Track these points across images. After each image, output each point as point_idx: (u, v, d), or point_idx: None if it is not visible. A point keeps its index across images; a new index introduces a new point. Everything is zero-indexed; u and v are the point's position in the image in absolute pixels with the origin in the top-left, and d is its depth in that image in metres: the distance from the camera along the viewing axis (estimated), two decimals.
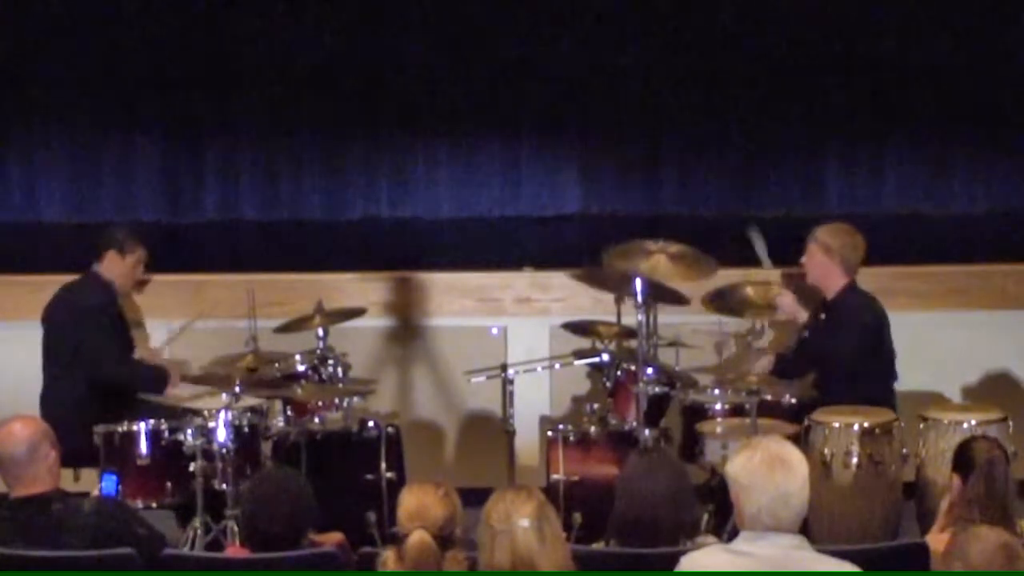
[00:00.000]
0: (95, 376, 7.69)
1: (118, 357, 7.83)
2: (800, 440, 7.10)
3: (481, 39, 11.21)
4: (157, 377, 7.86)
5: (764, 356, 7.91)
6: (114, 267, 7.87)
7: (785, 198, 11.19)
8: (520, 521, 4.56)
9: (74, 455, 7.14)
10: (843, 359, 7.53)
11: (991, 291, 8.71)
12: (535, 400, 8.44)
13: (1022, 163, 11.08)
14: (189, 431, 7.15)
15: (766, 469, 4.66)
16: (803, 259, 7.75)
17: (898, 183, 11.19)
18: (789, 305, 7.82)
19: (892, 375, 7.68)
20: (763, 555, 4.65)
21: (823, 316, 7.73)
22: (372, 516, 7.34)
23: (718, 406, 7.66)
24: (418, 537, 4.83)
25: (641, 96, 11.16)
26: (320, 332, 7.84)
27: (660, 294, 7.82)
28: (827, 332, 7.62)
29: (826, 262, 7.66)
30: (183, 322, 8.43)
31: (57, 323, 7.86)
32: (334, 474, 7.33)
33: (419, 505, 4.93)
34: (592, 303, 8.45)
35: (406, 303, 8.74)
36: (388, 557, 4.87)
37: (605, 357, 7.84)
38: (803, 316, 7.73)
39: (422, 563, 4.80)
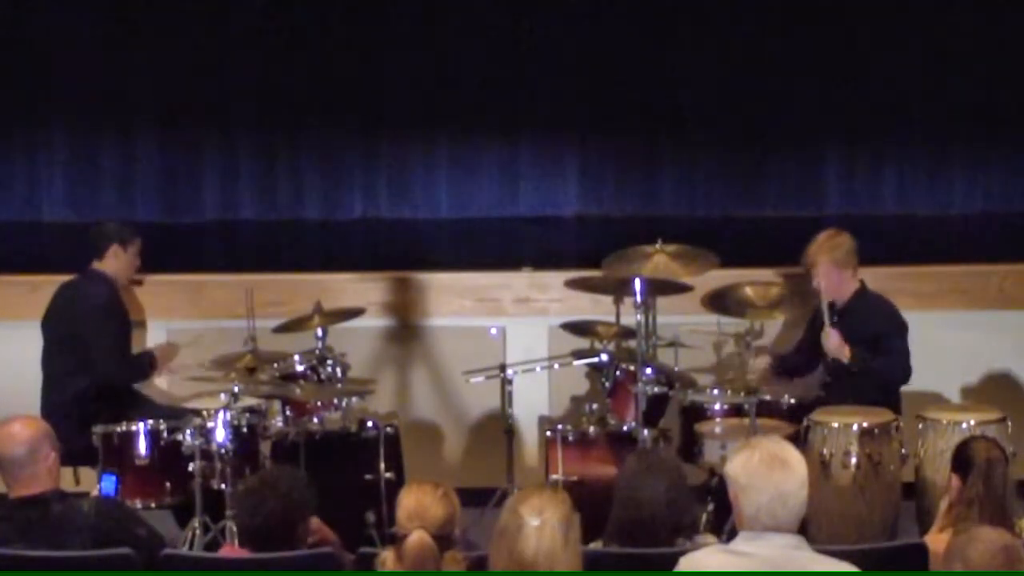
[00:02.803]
0: (100, 374, 7.68)
1: (122, 357, 7.82)
2: (799, 440, 7.10)
3: (481, 39, 11.20)
4: (147, 364, 7.87)
5: (761, 356, 7.92)
6: (116, 261, 7.85)
7: (785, 198, 11.19)
8: (552, 519, 4.56)
9: (74, 455, 7.15)
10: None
11: (990, 291, 8.71)
12: (534, 400, 8.44)
13: (1021, 163, 11.08)
14: (188, 431, 7.14)
15: (765, 469, 4.66)
16: (815, 284, 7.67)
17: (898, 183, 11.19)
18: (835, 346, 7.60)
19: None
20: (762, 555, 4.65)
21: (835, 319, 7.70)
22: (371, 516, 7.35)
23: (717, 406, 7.66)
24: (417, 537, 4.83)
25: (641, 96, 11.16)
26: (319, 332, 7.84)
27: (661, 288, 7.83)
28: (848, 335, 7.59)
29: (841, 274, 7.65)
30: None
31: (63, 322, 7.83)
32: (333, 474, 7.31)
33: (418, 505, 4.93)
34: (591, 303, 8.44)
35: (405, 303, 8.74)
36: (387, 557, 4.87)
37: (604, 357, 7.84)
38: (846, 355, 7.57)
39: (421, 563, 4.80)
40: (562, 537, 4.55)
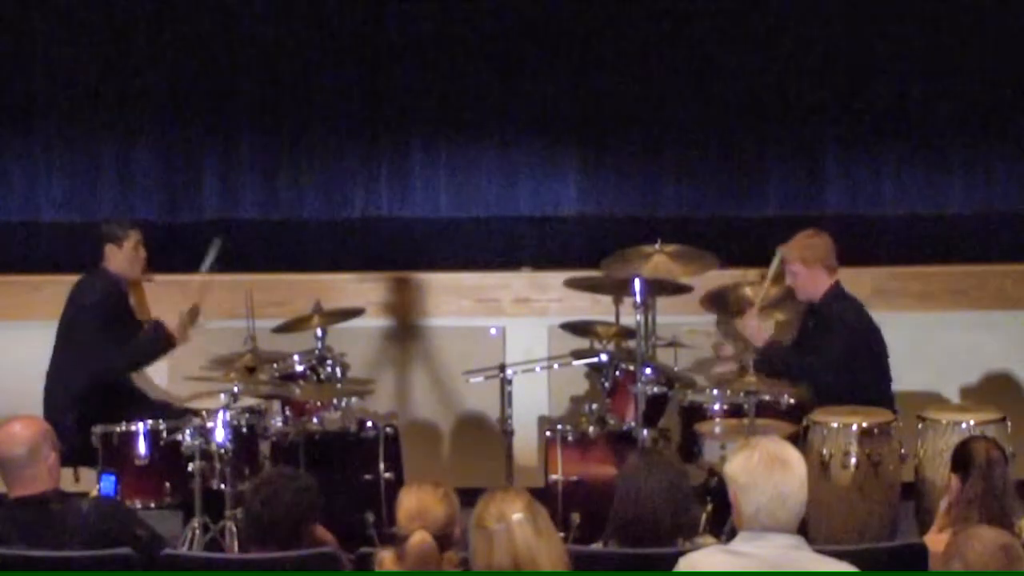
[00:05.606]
0: (96, 372, 7.68)
1: (117, 351, 7.80)
2: (799, 440, 7.10)
3: (481, 39, 11.20)
4: (157, 338, 7.83)
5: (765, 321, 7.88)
6: (116, 258, 7.87)
7: (785, 198, 11.18)
8: (514, 515, 4.55)
9: (74, 455, 7.16)
10: (830, 362, 7.51)
11: (989, 291, 8.71)
12: (533, 400, 8.44)
13: (1021, 163, 11.08)
14: (187, 431, 7.15)
15: (764, 469, 4.66)
16: (787, 282, 7.70)
17: (897, 184, 11.19)
18: (751, 331, 7.64)
19: (887, 378, 7.66)
20: (761, 555, 4.65)
21: (812, 324, 7.71)
22: (370, 516, 7.35)
23: (717, 406, 7.66)
24: (420, 537, 4.82)
25: (640, 96, 11.15)
26: (318, 332, 7.84)
27: (661, 288, 7.83)
28: (816, 336, 7.60)
29: (809, 273, 7.63)
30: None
31: (64, 321, 7.86)
32: (332, 474, 7.32)
33: (420, 505, 4.92)
34: (591, 303, 8.45)
35: (404, 303, 8.75)
36: (385, 557, 4.86)
37: (603, 357, 7.84)
38: (760, 340, 7.59)
39: (423, 563, 4.79)
40: (532, 529, 4.54)
